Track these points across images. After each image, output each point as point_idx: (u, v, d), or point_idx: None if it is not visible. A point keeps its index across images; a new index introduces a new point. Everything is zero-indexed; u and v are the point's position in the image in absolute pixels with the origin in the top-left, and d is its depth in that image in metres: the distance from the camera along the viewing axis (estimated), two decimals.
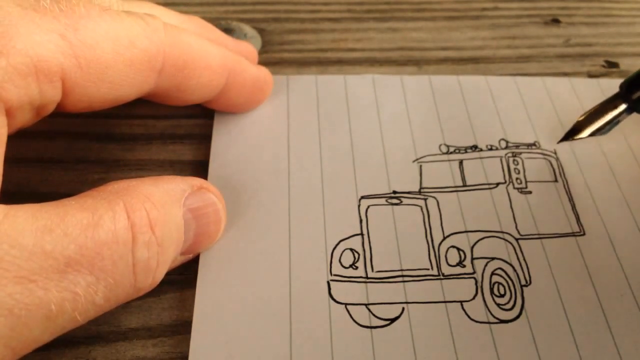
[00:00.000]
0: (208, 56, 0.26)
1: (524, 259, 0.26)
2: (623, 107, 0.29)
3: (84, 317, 0.19)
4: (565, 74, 0.35)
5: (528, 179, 0.29)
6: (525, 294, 0.25)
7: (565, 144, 0.31)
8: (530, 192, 0.28)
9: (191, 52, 0.25)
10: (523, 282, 0.25)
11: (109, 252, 0.19)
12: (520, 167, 0.29)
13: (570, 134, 0.30)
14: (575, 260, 0.26)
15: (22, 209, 0.18)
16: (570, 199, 0.28)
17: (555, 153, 0.30)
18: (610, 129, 0.30)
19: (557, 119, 0.32)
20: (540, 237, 0.27)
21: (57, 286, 0.18)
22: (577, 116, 0.32)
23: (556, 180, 0.29)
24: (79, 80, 0.21)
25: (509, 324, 0.24)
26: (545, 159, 0.30)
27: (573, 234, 0.27)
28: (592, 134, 0.30)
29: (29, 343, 0.18)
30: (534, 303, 0.25)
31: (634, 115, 0.29)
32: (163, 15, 0.27)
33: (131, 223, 0.20)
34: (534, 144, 0.31)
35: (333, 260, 0.26)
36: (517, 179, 0.29)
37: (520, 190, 0.28)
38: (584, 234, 0.27)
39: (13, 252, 0.17)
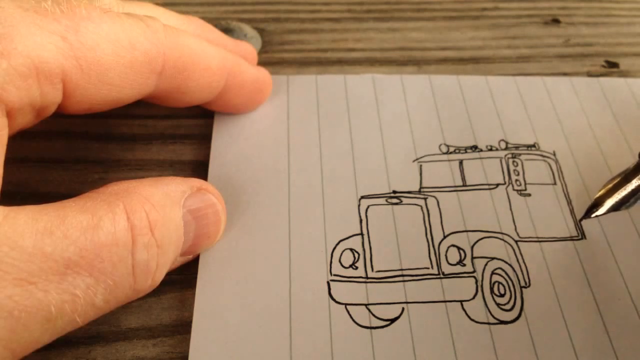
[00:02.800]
0: (207, 58, 0.26)
1: (523, 261, 0.26)
2: None
3: (83, 319, 0.19)
4: (565, 74, 0.35)
5: (527, 181, 0.29)
6: (524, 296, 0.25)
7: (564, 143, 0.31)
8: (529, 195, 0.28)
9: (191, 54, 0.25)
10: (522, 284, 0.25)
11: (108, 254, 0.19)
12: (519, 168, 0.29)
13: (591, 210, 0.27)
14: (573, 263, 0.26)
15: (22, 211, 0.18)
16: (569, 203, 0.28)
17: (554, 155, 0.30)
18: (635, 202, 0.27)
19: (557, 119, 0.32)
20: (539, 240, 0.27)
21: (56, 288, 0.18)
22: (577, 116, 0.32)
23: (555, 183, 0.29)
24: (79, 82, 0.21)
25: (509, 325, 0.24)
26: (544, 160, 0.30)
27: (571, 238, 0.27)
28: (614, 209, 0.27)
29: (28, 345, 0.18)
30: (533, 305, 0.25)
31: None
32: (162, 16, 0.27)
33: (131, 225, 0.20)
34: (533, 145, 0.31)
35: (333, 260, 0.26)
36: (516, 180, 0.29)
37: (519, 192, 0.28)
38: (582, 238, 0.27)
39: (13, 254, 0.17)
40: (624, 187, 0.26)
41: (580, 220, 0.28)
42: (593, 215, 0.27)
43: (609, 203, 0.27)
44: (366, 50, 0.36)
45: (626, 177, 0.26)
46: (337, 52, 0.36)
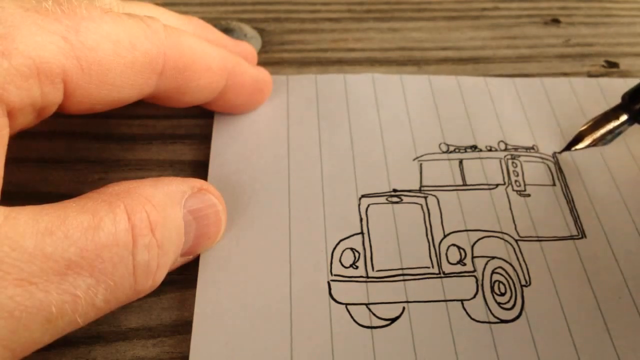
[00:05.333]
0: (208, 58, 0.26)
1: (524, 260, 0.26)
2: (624, 117, 0.29)
3: (84, 320, 0.19)
4: (565, 74, 0.35)
5: (527, 182, 0.29)
6: (525, 295, 0.25)
7: (563, 145, 0.31)
8: (529, 195, 0.28)
9: (191, 54, 0.25)
10: (523, 283, 0.25)
11: (109, 255, 0.19)
12: (519, 169, 0.29)
13: (572, 144, 0.30)
14: (573, 262, 0.26)
15: (22, 211, 0.18)
16: (568, 202, 0.28)
17: (553, 157, 0.30)
18: (611, 140, 0.30)
19: (555, 122, 0.32)
20: (539, 239, 0.27)
21: (57, 289, 0.18)
22: (575, 118, 0.32)
23: (554, 184, 0.29)
24: (80, 82, 0.21)
25: (509, 324, 0.24)
26: (543, 162, 0.30)
27: (571, 237, 0.27)
28: (593, 144, 0.30)
29: (29, 345, 0.18)
30: (533, 304, 0.25)
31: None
32: (162, 16, 0.27)
33: (132, 225, 0.20)
34: (532, 148, 0.31)
35: (333, 260, 0.26)
36: (516, 181, 0.29)
37: (519, 192, 0.28)
38: (582, 237, 0.27)
39: (14, 255, 0.17)
40: (603, 126, 0.29)
41: (561, 152, 0.31)
42: (573, 149, 0.30)
43: (588, 140, 0.30)
44: (366, 50, 0.36)
45: (606, 116, 0.29)
46: (337, 52, 0.36)
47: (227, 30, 0.36)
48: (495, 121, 0.32)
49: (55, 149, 0.29)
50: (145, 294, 0.22)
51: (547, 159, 0.30)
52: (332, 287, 0.25)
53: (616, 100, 0.29)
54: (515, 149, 0.30)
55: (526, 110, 0.33)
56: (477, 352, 0.23)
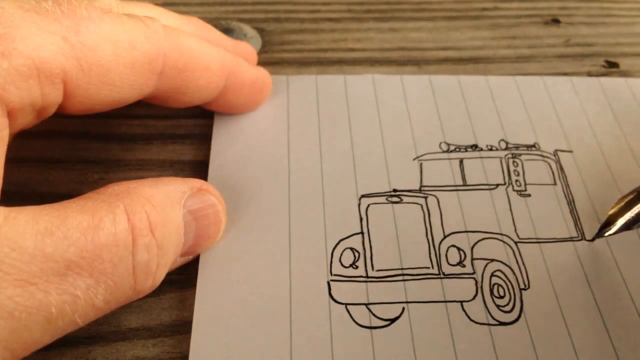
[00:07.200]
0: (207, 58, 0.26)
1: (523, 263, 0.26)
2: None
3: (83, 320, 0.19)
4: (565, 74, 0.35)
5: (527, 182, 0.29)
6: (524, 298, 0.25)
7: (564, 143, 0.31)
8: (529, 195, 0.28)
9: (191, 54, 0.25)
10: (522, 286, 0.25)
11: (109, 255, 0.19)
12: (519, 169, 0.29)
13: (603, 229, 0.26)
14: (573, 264, 0.26)
15: (22, 212, 0.18)
16: (569, 203, 0.28)
17: (554, 155, 0.30)
18: None
19: (557, 119, 0.32)
20: (539, 241, 0.27)
21: (57, 289, 0.18)
22: (577, 117, 0.32)
23: (555, 184, 0.29)
24: (80, 82, 0.21)
25: (508, 326, 0.24)
26: (544, 160, 0.30)
27: (571, 239, 0.27)
28: (627, 228, 0.25)
29: (28, 345, 0.18)
30: (532, 306, 0.25)
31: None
32: (162, 16, 0.27)
33: (131, 225, 0.20)
34: (533, 146, 0.31)
35: (333, 260, 0.26)
36: (516, 181, 0.29)
37: (519, 193, 0.28)
38: (581, 239, 0.27)
39: (13, 255, 0.17)
40: (637, 205, 0.25)
41: (593, 239, 0.27)
42: (605, 234, 0.26)
43: (621, 222, 0.25)
44: (366, 50, 0.36)
45: (639, 194, 0.26)
46: (337, 52, 0.36)
47: (227, 30, 0.36)
48: (497, 120, 0.32)
49: (55, 149, 0.29)
50: (145, 294, 0.22)
51: (548, 157, 0.30)
52: (331, 287, 0.25)
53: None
54: (517, 147, 0.30)
55: (527, 108, 0.33)
56: (477, 354, 0.23)
